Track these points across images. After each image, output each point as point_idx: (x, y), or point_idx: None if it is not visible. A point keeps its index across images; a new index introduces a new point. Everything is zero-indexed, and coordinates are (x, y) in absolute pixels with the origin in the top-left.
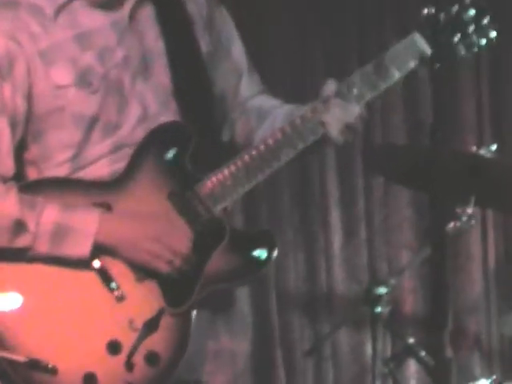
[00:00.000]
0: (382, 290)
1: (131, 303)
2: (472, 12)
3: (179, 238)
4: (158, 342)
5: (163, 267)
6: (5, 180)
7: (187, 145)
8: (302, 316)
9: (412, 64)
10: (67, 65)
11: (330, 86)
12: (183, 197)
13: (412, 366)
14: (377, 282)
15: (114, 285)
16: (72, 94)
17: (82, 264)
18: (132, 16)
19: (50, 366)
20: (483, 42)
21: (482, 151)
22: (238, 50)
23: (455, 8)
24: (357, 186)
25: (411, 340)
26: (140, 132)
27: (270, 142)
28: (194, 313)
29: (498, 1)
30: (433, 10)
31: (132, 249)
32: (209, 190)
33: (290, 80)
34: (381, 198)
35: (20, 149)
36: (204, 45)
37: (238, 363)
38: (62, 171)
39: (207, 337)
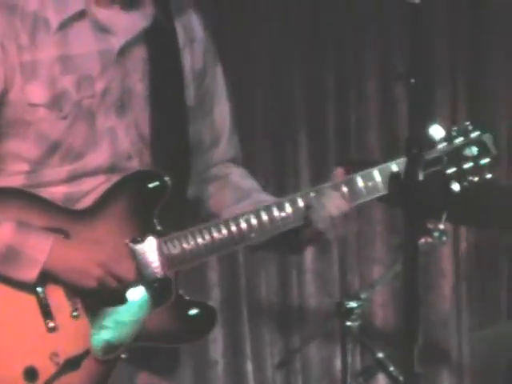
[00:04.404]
0: (353, 304)
1: (60, 337)
2: (474, 150)
3: (126, 268)
4: (74, 381)
5: (106, 292)
6: None
7: (161, 198)
8: (273, 329)
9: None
10: (44, 85)
11: (339, 175)
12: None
13: (381, 381)
14: (348, 296)
15: (49, 315)
16: (41, 114)
17: (26, 286)
18: (123, 52)
19: None
20: (475, 179)
21: None
22: (220, 112)
23: (459, 140)
24: None
25: (381, 354)
26: (105, 166)
27: (245, 227)
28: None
29: None
30: (438, 135)
31: (79, 275)
32: (168, 249)
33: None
34: (353, 213)
35: None
36: (188, 98)
37: None
38: (14, 181)
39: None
